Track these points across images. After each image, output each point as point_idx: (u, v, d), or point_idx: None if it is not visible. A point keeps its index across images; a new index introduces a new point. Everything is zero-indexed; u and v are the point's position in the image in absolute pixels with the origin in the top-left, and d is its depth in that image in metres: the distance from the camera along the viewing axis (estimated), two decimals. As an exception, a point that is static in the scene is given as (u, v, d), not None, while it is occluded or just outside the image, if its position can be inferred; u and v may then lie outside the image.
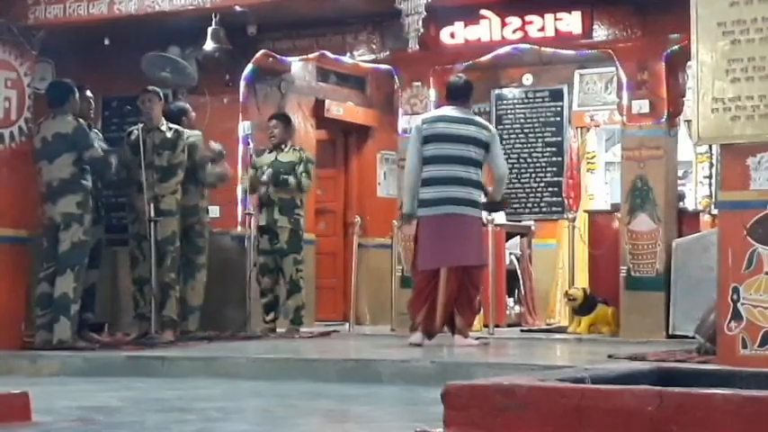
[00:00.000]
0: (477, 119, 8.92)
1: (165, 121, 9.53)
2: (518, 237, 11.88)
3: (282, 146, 10.31)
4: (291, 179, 10.12)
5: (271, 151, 10.32)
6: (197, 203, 9.79)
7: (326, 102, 12.06)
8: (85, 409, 5.89)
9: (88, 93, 9.40)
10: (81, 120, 8.89)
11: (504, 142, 12.51)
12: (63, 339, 8.59)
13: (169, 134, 9.46)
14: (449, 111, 8.76)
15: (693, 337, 7.81)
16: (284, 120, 10.53)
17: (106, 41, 10.34)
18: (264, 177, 10.14)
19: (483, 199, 8.72)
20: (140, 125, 9.47)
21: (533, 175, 12.34)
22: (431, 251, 8.50)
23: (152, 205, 9.17)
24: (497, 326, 10.31)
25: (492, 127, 9.14)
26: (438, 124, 8.63)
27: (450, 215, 8.45)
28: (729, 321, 6.11)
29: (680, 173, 10.57)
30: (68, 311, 8.62)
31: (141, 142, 9.29)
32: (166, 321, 9.29)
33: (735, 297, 6.10)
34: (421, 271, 8.64)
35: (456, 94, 8.81)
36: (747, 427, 2.29)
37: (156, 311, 9.24)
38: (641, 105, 9.56)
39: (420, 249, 8.65)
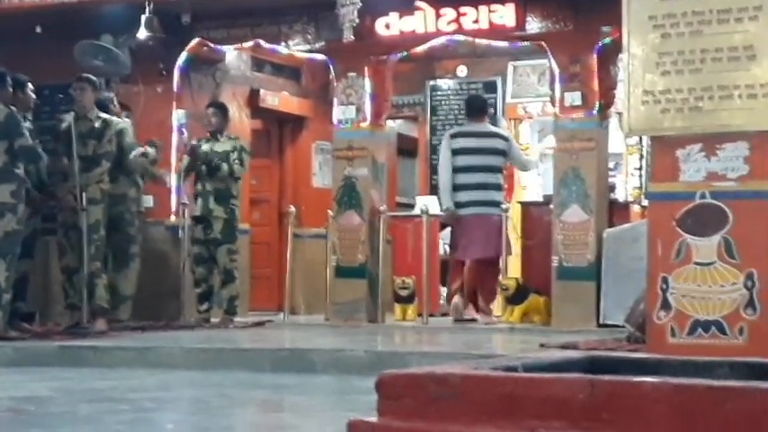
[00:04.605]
0: (497, 130, 10.47)
1: (96, 111, 9.43)
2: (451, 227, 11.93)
3: (218, 135, 10.26)
4: (224, 166, 10.07)
5: (207, 141, 10.26)
6: (125, 192, 9.69)
7: (261, 91, 12.03)
8: (16, 400, 5.85)
9: (30, 85, 9.25)
10: (13, 107, 8.77)
11: (437, 133, 12.62)
12: (-6, 329, 8.49)
13: (97, 123, 9.36)
14: (471, 126, 10.30)
15: (624, 326, 7.91)
16: (221, 108, 10.47)
17: (38, 29, 10.23)
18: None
19: (503, 198, 10.26)
20: (72, 114, 9.38)
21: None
22: (460, 245, 10.24)
23: (82, 194, 9.10)
24: (431, 315, 10.38)
25: (509, 135, 10.66)
26: (463, 139, 10.19)
27: (476, 215, 10.02)
28: (659, 310, 6.18)
29: (611, 164, 10.67)
30: (0, 301, 8.51)
31: (73, 131, 9.20)
32: (96, 309, 9.21)
33: (664, 286, 6.17)
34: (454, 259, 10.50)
35: (473, 111, 10.36)
36: (676, 414, 2.34)
37: (86, 301, 9.18)
38: (573, 97, 9.65)
39: (454, 242, 10.42)
